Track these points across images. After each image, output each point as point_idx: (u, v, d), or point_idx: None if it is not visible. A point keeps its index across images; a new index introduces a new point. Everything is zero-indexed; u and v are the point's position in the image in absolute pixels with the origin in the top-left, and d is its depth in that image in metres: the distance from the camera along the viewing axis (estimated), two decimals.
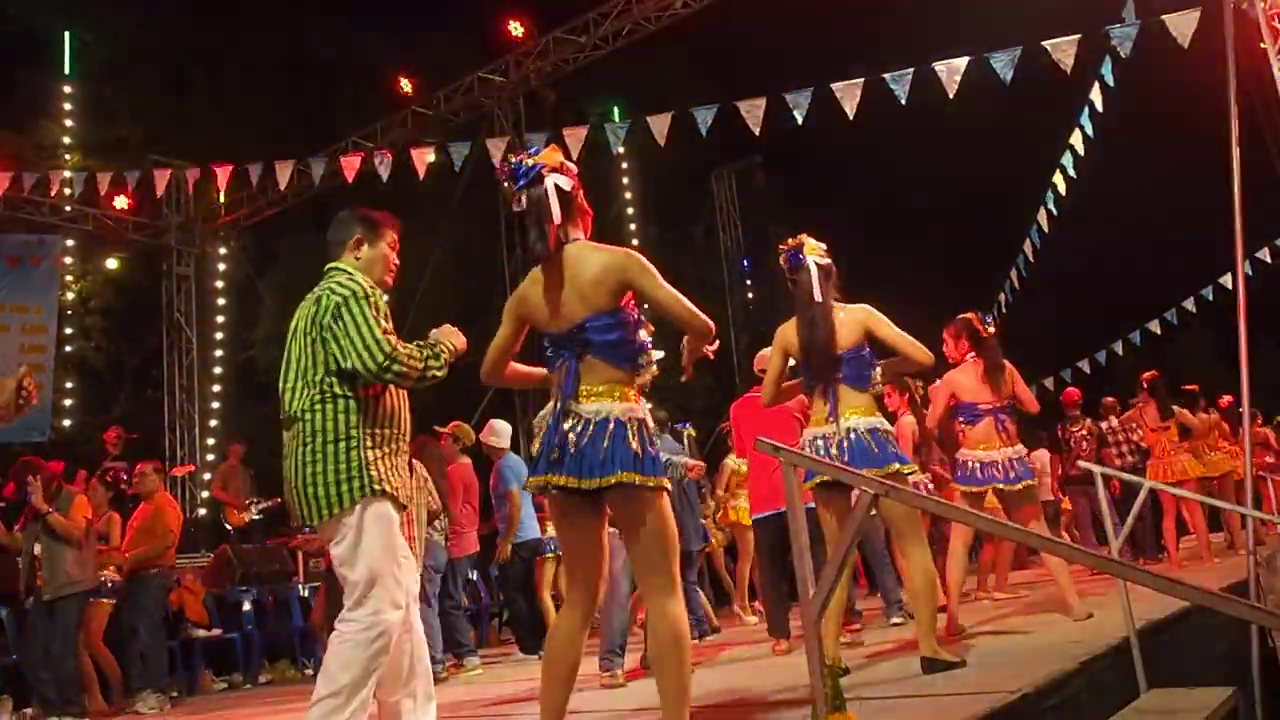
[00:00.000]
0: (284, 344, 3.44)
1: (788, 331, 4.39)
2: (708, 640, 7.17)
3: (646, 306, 3.03)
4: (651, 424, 2.97)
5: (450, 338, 3.46)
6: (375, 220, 3.57)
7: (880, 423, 4.25)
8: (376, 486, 3.20)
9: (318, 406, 3.23)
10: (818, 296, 4.24)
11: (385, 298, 3.45)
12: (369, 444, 3.24)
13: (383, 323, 3.27)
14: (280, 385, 3.36)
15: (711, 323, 3.00)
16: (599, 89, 17.75)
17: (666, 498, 2.90)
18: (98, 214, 14.86)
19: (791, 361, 4.45)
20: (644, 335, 3.01)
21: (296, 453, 3.24)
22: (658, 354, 3.05)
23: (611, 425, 2.85)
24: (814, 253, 4.34)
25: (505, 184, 3.04)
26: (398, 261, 3.62)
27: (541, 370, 3.23)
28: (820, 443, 4.25)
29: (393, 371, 3.21)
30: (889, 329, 4.25)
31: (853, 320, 4.26)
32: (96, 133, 16.68)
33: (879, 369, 4.30)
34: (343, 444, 3.20)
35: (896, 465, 4.13)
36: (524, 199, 3.00)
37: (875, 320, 4.26)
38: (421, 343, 3.39)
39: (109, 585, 7.64)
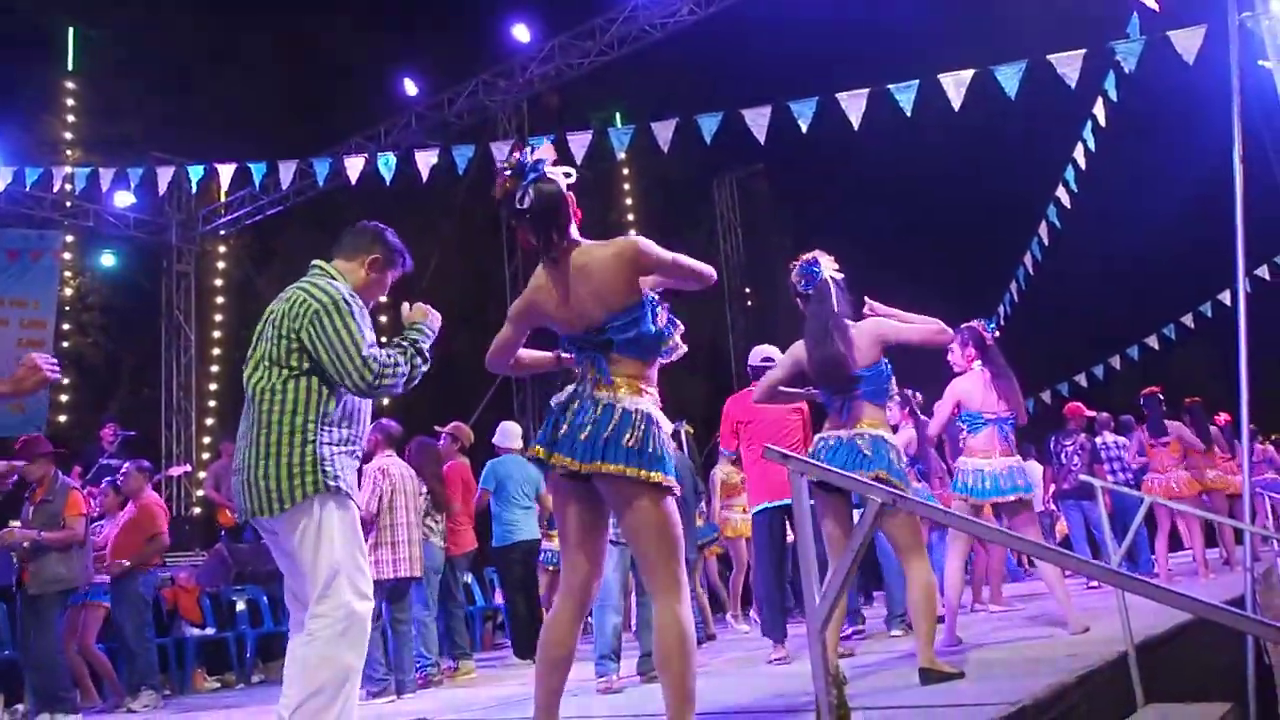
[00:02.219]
0: None
1: (800, 349, 4.35)
2: (703, 648, 7.16)
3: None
4: (664, 422, 2.94)
5: (426, 320, 3.40)
6: (398, 251, 3.51)
7: (888, 434, 4.25)
8: (331, 483, 3.13)
9: (278, 395, 3.16)
10: (837, 309, 4.21)
11: (381, 298, 3.42)
12: (325, 439, 3.17)
13: (367, 332, 3.22)
14: (248, 371, 3.28)
15: (712, 271, 3.11)
16: (603, 94, 17.77)
17: (669, 497, 2.87)
18: (99, 210, 14.86)
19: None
20: (663, 318, 3.00)
21: (251, 442, 3.16)
22: (678, 345, 3.06)
23: (618, 415, 2.84)
24: (831, 269, 4.31)
25: (507, 180, 2.96)
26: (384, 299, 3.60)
27: (549, 355, 3.24)
28: (821, 444, 4.28)
29: (383, 387, 3.17)
30: (902, 329, 4.28)
31: (868, 337, 4.26)
32: (99, 129, 16.68)
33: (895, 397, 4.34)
34: (297, 437, 3.13)
35: (883, 471, 4.09)
36: (530, 195, 2.92)
37: (886, 328, 4.27)
38: (400, 341, 3.29)
39: (104, 589, 7.62)
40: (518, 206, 2.93)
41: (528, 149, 3.03)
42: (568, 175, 3.01)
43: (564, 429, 2.88)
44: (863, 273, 4.46)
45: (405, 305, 3.46)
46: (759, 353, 6.03)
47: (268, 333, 3.25)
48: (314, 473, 3.11)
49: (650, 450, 2.82)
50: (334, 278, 3.35)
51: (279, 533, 3.17)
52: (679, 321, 3.05)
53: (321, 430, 3.17)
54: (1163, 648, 4.44)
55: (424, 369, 3.30)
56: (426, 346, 3.33)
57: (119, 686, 7.55)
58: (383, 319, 14.13)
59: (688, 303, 3.11)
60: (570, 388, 2.98)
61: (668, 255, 2.98)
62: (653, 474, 2.80)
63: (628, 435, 2.81)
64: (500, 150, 10.92)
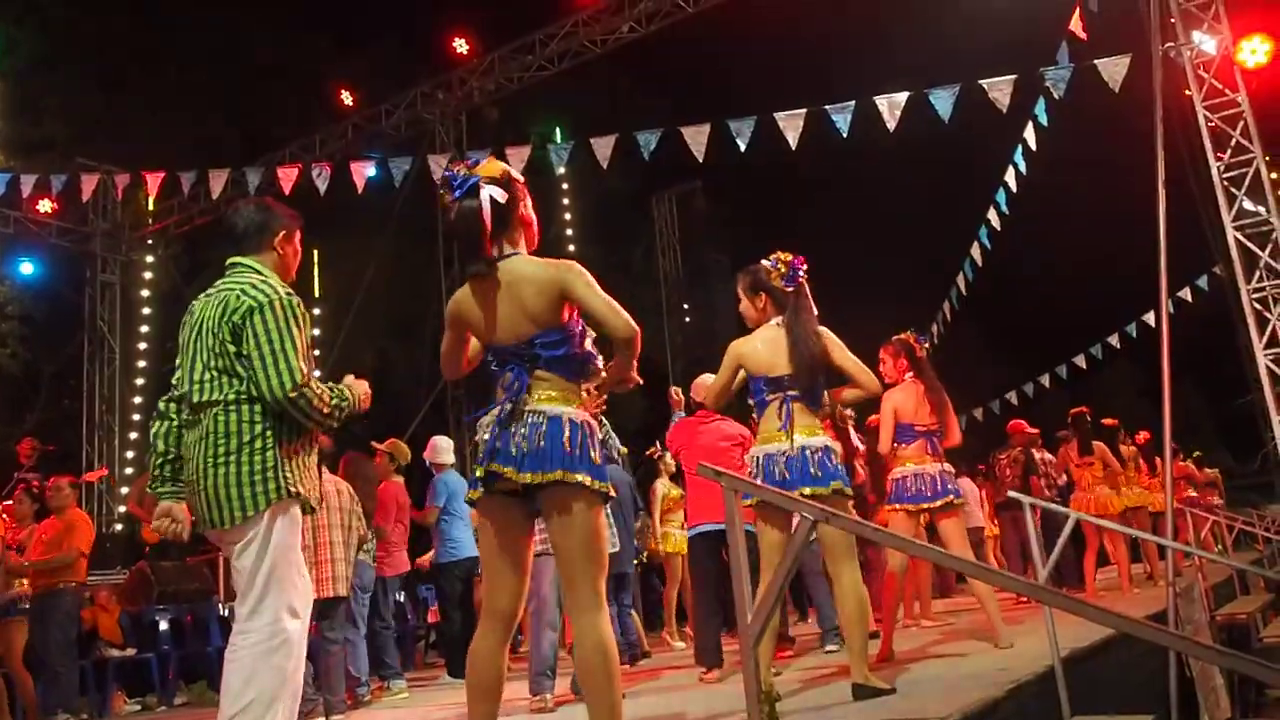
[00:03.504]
0: None
1: (745, 346, 4.35)
2: (639, 665, 7.12)
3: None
4: (599, 430, 2.93)
5: (358, 389, 3.35)
6: (293, 215, 3.43)
7: (830, 443, 4.26)
8: (291, 489, 3.09)
9: (231, 408, 3.08)
10: (814, 312, 4.28)
11: (315, 310, 3.35)
12: (284, 443, 3.13)
13: (299, 341, 3.12)
14: (187, 380, 3.17)
15: (636, 329, 2.91)
16: (543, 109, 17.75)
17: (602, 509, 2.86)
18: (19, 216, 14.39)
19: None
20: (589, 345, 2.98)
21: (204, 452, 3.08)
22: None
23: (549, 423, 2.82)
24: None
25: (441, 194, 2.96)
26: None
27: None
28: (768, 460, 4.23)
29: (299, 405, 3.07)
30: (844, 354, 4.29)
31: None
32: (21, 131, 16.19)
33: (828, 394, 4.35)
34: (257, 443, 3.07)
35: (839, 484, 4.14)
36: (456, 211, 2.91)
37: (832, 344, 4.29)
38: (334, 386, 3.26)
39: (24, 603, 7.34)
40: (449, 219, 2.94)
41: (463, 164, 3.00)
42: (498, 194, 2.94)
43: (498, 444, 2.84)
44: None
45: (350, 377, 3.42)
46: (695, 386, 6.03)
47: (205, 341, 3.15)
48: (273, 479, 3.06)
49: (582, 455, 2.81)
50: (259, 272, 3.26)
51: (228, 541, 3.10)
52: (598, 354, 3.02)
53: (281, 434, 3.12)
54: (1089, 661, 4.51)
55: (335, 423, 3.22)
56: (348, 408, 3.26)
57: (35, 709, 7.27)
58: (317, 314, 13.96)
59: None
60: (495, 408, 2.92)
61: (598, 297, 2.87)
62: (586, 478, 2.78)
63: (563, 441, 2.79)
64: (438, 163, 10.85)
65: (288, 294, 3.19)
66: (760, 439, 4.32)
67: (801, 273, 4.32)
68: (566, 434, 2.80)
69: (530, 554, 2.97)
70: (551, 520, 2.85)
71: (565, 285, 2.88)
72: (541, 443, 2.79)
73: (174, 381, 3.28)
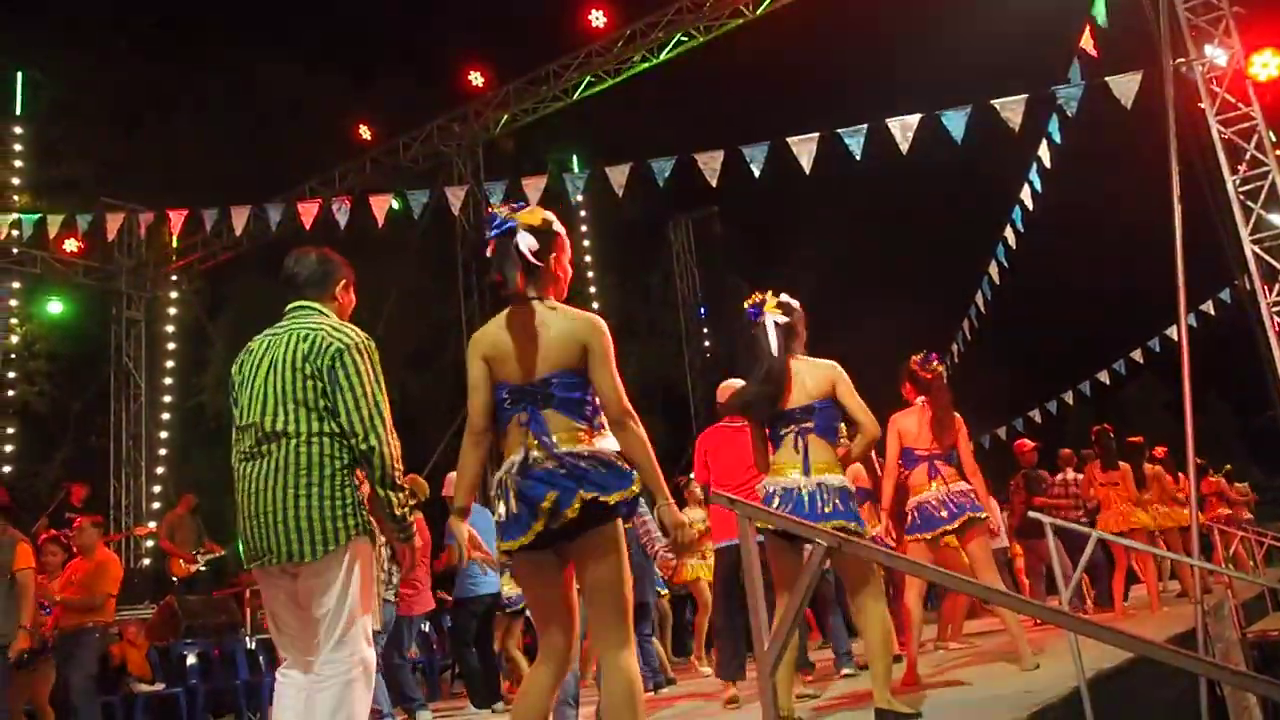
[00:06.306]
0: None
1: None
2: (663, 692, 7.09)
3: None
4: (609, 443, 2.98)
5: (416, 539, 3.35)
6: (349, 265, 3.52)
7: (847, 483, 4.21)
8: (368, 525, 3.15)
9: (314, 440, 3.11)
10: (775, 352, 4.26)
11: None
12: (357, 481, 3.19)
13: (381, 387, 3.22)
14: (258, 411, 3.16)
15: (628, 411, 2.93)
16: (558, 138, 17.89)
17: (625, 548, 2.89)
18: (46, 256, 14.62)
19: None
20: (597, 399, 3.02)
21: (282, 483, 3.08)
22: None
23: (570, 459, 2.87)
24: (774, 311, 4.34)
25: (485, 229, 3.07)
26: None
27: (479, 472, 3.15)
28: (783, 496, 4.18)
29: (373, 459, 3.12)
30: (849, 393, 4.26)
31: (820, 373, 4.28)
32: (47, 173, 16.47)
33: (845, 436, 4.34)
34: (338, 478, 3.11)
35: (854, 524, 4.10)
36: (494, 246, 3.03)
37: (839, 379, 4.27)
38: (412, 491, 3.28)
39: (50, 645, 7.40)
40: (487, 254, 3.06)
41: (509, 205, 3.12)
42: (530, 242, 3.06)
43: (530, 506, 2.84)
44: (816, 314, 4.50)
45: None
46: (726, 389, 6.00)
47: (282, 374, 3.16)
48: (353, 515, 3.11)
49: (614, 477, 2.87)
50: (326, 314, 3.33)
51: (304, 576, 3.10)
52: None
53: (355, 472, 3.18)
54: (1115, 681, 4.47)
55: (400, 511, 3.21)
56: (410, 520, 3.28)
57: None
58: None
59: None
60: (515, 458, 2.93)
61: (607, 365, 2.96)
62: (617, 493, 2.83)
63: (597, 470, 2.85)
64: (456, 195, 10.96)
65: (366, 338, 3.28)
66: (774, 470, 4.28)
67: (757, 312, 4.34)
68: (592, 463, 2.85)
69: (574, 597, 3.00)
70: (579, 560, 2.91)
71: (588, 341, 2.96)
72: (573, 480, 2.84)
73: (242, 422, 3.25)
